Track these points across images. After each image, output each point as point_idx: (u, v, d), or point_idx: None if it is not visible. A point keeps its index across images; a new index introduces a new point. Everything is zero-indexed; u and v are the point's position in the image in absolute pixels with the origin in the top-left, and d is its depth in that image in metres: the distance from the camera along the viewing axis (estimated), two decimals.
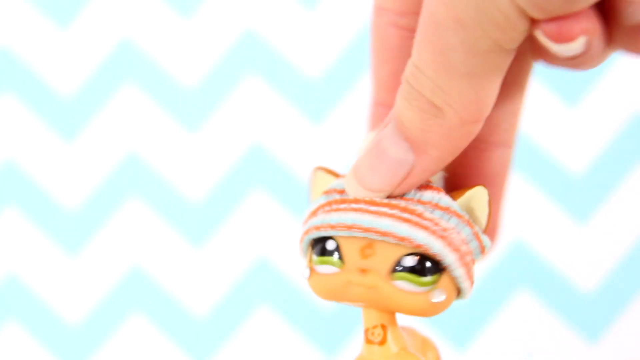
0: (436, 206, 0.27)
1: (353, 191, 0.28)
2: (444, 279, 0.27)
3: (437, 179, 0.29)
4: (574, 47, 0.25)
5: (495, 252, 0.55)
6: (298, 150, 0.56)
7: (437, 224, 0.27)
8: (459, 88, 0.25)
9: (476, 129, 0.26)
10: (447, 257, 0.27)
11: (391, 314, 0.28)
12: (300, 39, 0.57)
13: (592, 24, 0.25)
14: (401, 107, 0.26)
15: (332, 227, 0.28)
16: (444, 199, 0.28)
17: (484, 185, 0.28)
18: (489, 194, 0.28)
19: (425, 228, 0.27)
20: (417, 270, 0.27)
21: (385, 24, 0.31)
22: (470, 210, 0.28)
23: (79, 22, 0.58)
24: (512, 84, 0.30)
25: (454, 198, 0.28)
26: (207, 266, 0.55)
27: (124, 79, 0.58)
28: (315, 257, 0.28)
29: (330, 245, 0.28)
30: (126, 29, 0.58)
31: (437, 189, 0.28)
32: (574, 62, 0.26)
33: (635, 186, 0.55)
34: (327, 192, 0.29)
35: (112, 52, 0.58)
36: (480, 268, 0.54)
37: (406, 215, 0.27)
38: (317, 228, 0.28)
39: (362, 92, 0.57)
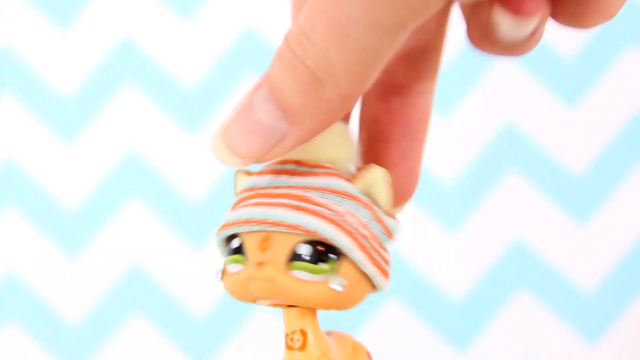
0: (330, 190, 0.27)
1: (219, 155, 0.26)
2: (345, 266, 0.26)
3: (351, 157, 0.28)
4: (529, 25, 0.24)
5: (495, 252, 0.55)
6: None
7: (328, 208, 0.26)
8: (348, 62, 0.24)
9: (353, 103, 0.25)
10: (340, 240, 0.26)
11: (312, 318, 0.27)
12: None
13: (545, 4, 0.24)
14: (279, 74, 0.25)
15: (233, 223, 0.27)
16: (339, 182, 0.27)
17: (375, 165, 0.27)
18: (386, 173, 0.27)
19: (315, 213, 0.26)
20: (311, 257, 0.26)
21: None
22: (369, 193, 0.27)
23: (79, 22, 0.58)
24: (431, 31, 0.29)
25: (354, 182, 0.27)
26: (207, 266, 0.55)
27: (124, 79, 0.58)
28: (225, 257, 0.28)
29: (235, 243, 0.27)
30: (126, 29, 0.58)
31: (334, 174, 0.27)
32: (517, 47, 0.25)
33: (635, 186, 0.55)
34: (239, 192, 0.29)
35: (112, 52, 0.58)
36: (480, 268, 0.54)
37: (297, 203, 0.26)
38: (223, 227, 0.27)
39: None
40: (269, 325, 0.55)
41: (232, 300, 0.55)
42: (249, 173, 0.29)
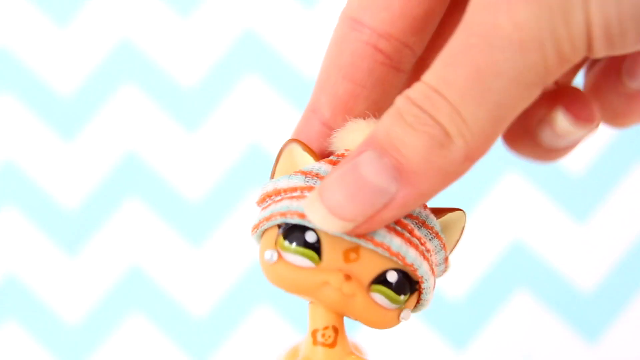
0: (423, 224, 0.26)
1: (317, 217, 0.25)
2: (413, 299, 0.27)
3: None
4: (582, 133, 0.24)
5: (495, 252, 0.55)
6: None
7: (423, 243, 0.26)
8: (481, 119, 0.23)
9: (470, 168, 0.24)
10: (428, 280, 0.26)
11: (339, 315, 0.27)
12: (298, 38, 0.57)
13: (599, 119, 0.24)
14: (399, 130, 0.24)
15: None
16: (431, 217, 0.26)
17: (463, 211, 0.27)
18: (465, 221, 0.27)
19: (415, 247, 0.26)
20: (397, 287, 0.26)
21: (360, 40, 0.28)
22: (446, 233, 0.27)
23: (78, 22, 0.58)
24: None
25: (436, 216, 0.27)
26: (206, 266, 0.55)
27: (123, 78, 0.58)
28: (287, 244, 0.26)
29: (310, 236, 0.26)
30: (125, 29, 0.58)
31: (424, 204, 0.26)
32: (552, 154, 0.25)
33: (635, 186, 0.55)
34: (306, 174, 0.27)
35: (111, 52, 0.58)
36: (480, 268, 0.54)
37: (399, 229, 0.25)
38: (301, 215, 0.26)
39: None
40: (268, 325, 0.55)
41: (232, 300, 0.55)
42: (311, 151, 0.27)
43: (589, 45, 0.22)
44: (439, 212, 0.27)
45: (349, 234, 0.25)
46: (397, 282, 0.26)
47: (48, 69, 0.58)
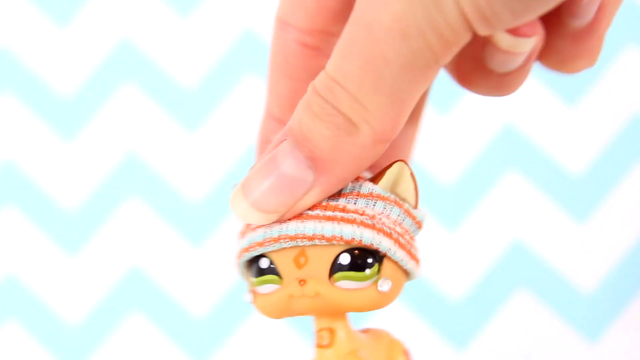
0: (358, 195, 0.26)
1: (241, 212, 0.26)
2: (387, 266, 0.26)
3: None
4: (528, 45, 0.24)
5: (495, 252, 0.55)
6: None
7: (362, 213, 0.26)
8: (382, 105, 0.24)
9: (384, 149, 0.25)
10: (382, 243, 0.26)
11: (342, 316, 0.27)
12: None
13: (541, 30, 0.25)
14: (307, 121, 0.25)
15: (260, 244, 0.26)
16: (365, 185, 0.26)
17: (402, 160, 0.27)
18: (409, 167, 0.27)
19: (352, 221, 0.25)
20: (356, 266, 0.26)
21: (288, 39, 0.29)
22: (394, 190, 0.27)
23: (78, 22, 0.58)
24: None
25: (375, 182, 0.26)
26: (207, 266, 0.55)
27: (123, 78, 0.58)
28: (253, 279, 0.27)
29: (263, 263, 0.26)
30: (125, 29, 0.58)
31: (356, 177, 0.26)
32: (506, 81, 0.25)
33: (635, 186, 0.55)
34: None
35: (111, 52, 0.58)
36: (480, 268, 0.54)
37: (329, 213, 0.26)
38: (247, 249, 0.27)
39: None
40: (268, 325, 0.55)
41: (232, 300, 0.55)
42: None
43: (470, 28, 0.23)
44: (378, 175, 0.27)
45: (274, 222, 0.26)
46: (351, 261, 0.26)
47: (48, 69, 0.58)
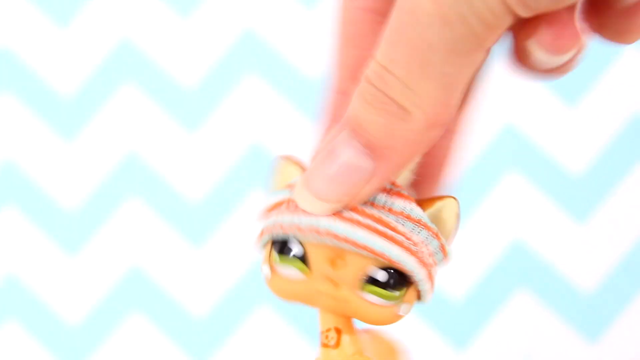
0: (408, 218, 0.26)
1: (306, 203, 0.26)
2: (410, 292, 0.27)
3: (404, 178, 0.28)
4: (563, 59, 0.25)
5: (495, 252, 0.55)
6: (298, 150, 0.56)
7: (409, 238, 0.26)
8: (431, 89, 0.24)
9: (439, 134, 0.25)
10: (419, 273, 0.26)
11: (347, 316, 0.27)
12: (299, 38, 0.57)
13: (582, 37, 0.25)
14: (362, 110, 0.25)
15: (300, 230, 0.26)
16: (415, 210, 0.26)
17: (454, 197, 0.27)
18: (458, 206, 0.27)
19: (399, 243, 0.26)
20: (388, 284, 0.26)
21: (355, 7, 0.30)
22: (438, 222, 0.27)
23: (78, 22, 0.58)
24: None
25: (424, 208, 0.27)
26: (207, 266, 0.55)
27: (123, 78, 0.58)
28: (277, 258, 0.27)
29: (296, 248, 0.27)
30: (125, 29, 0.58)
31: (407, 197, 0.27)
32: (554, 72, 0.25)
33: (635, 186, 0.55)
34: (291, 187, 0.28)
35: (112, 52, 0.58)
36: (480, 268, 0.54)
37: (380, 228, 0.26)
38: (283, 228, 0.27)
39: None
40: (268, 325, 0.55)
41: (232, 300, 0.55)
42: (297, 164, 0.28)
43: (510, 10, 0.23)
44: (428, 202, 0.27)
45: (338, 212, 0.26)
46: (387, 280, 0.26)
47: (48, 69, 0.58)
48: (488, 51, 0.24)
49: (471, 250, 0.54)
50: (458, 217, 0.27)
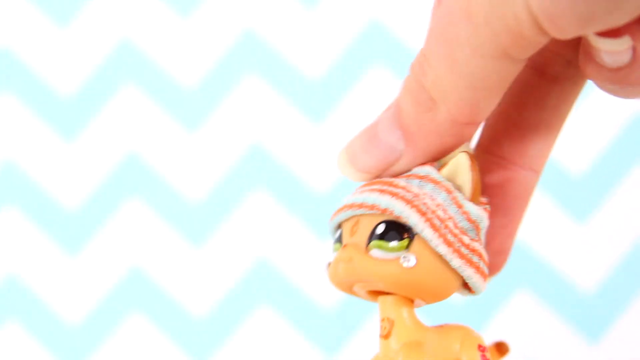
0: (414, 176, 0.27)
1: (343, 166, 0.28)
2: (417, 244, 0.26)
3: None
4: (620, 45, 0.24)
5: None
6: (298, 150, 0.56)
7: (408, 190, 0.27)
8: (458, 85, 0.25)
9: (469, 132, 0.26)
10: (411, 218, 0.26)
11: (405, 307, 0.27)
12: (300, 39, 0.57)
13: (635, 29, 0.24)
14: (402, 95, 0.26)
15: (338, 210, 0.28)
16: (425, 168, 0.27)
17: (466, 151, 0.27)
18: (471, 159, 0.27)
19: (393, 194, 0.27)
20: (383, 235, 0.27)
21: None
22: (453, 178, 0.27)
23: (78, 22, 0.58)
24: (551, 109, 0.30)
25: (440, 169, 0.27)
26: (207, 266, 0.55)
27: (124, 79, 0.58)
28: (332, 247, 0.29)
29: (337, 232, 0.28)
30: (125, 29, 0.58)
31: (425, 162, 0.27)
32: (621, 75, 0.25)
33: (635, 186, 0.55)
34: None
35: (112, 52, 0.58)
36: None
37: (384, 187, 0.27)
38: (334, 214, 0.28)
39: (362, 91, 0.56)
40: (268, 325, 0.55)
41: (232, 300, 0.55)
42: None
43: (540, 29, 0.23)
44: (445, 164, 0.28)
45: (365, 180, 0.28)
46: (384, 231, 0.27)
47: (48, 69, 0.58)
48: (520, 63, 0.24)
49: None
50: (472, 169, 0.27)
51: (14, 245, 0.56)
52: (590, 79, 0.26)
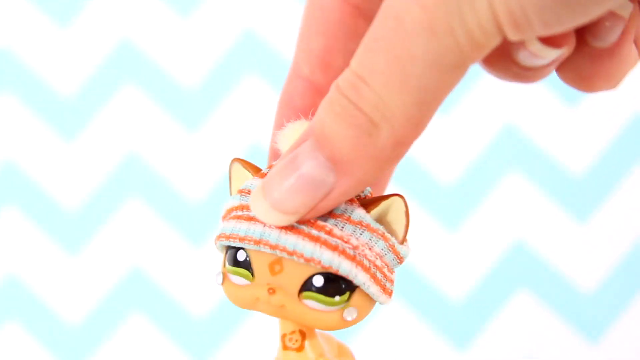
0: (348, 220, 0.26)
1: (261, 212, 0.25)
2: (357, 296, 0.26)
3: None
4: (556, 53, 0.24)
5: (496, 253, 0.55)
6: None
7: (347, 241, 0.25)
8: (406, 104, 0.23)
9: (404, 152, 0.24)
10: (357, 277, 0.25)
11: None
12: None
13: (573, 40, 0.24)
14: (329, 121, 0.24)
15: (242, 239, 0.26)
16: (357, 211, 0.26)
17: (400, 195, 0.26)
18: (406, 204, 0.26)
19: (334, 248, 0.25)
20: (327, 291, 0.25)
21: None
22: (385, 222, 0.26)
23: (78, 22, 0.58)
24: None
25: (368, 209, 0.26)
26: (206, 266, 0.55)
27: (123, 79, 0.58)
28: (227, 265, 0.27)
29: (240, 256, 0.26)
30: (125, 29, 0.58)
31: (350, 199, 0.26)
32: (528, 75, 0.25)
33: (635, 186, 0.55)
34: (241, 192, 0.28)
35: (112, 52, 0.58)
36: (481, 268, 0.54)
37: (314, 233, 0.25)
38: (227, 237, 0.26)
39: None
40: (268, 325, 0.55)
41: None
42: (250, 167, 0.28)
43: (501, 31, 0.22)
44: (373, 202, 0.26)
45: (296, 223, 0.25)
46: (324, 285, 0.25)
47: (49, 69, 0.58)
48: (466, 70, 0.23)
49: (472, 250, 0.54)
50: (407, 214, 0.26)
51: (14, 245, 0.56)
52: (491, 69, 0.26)
